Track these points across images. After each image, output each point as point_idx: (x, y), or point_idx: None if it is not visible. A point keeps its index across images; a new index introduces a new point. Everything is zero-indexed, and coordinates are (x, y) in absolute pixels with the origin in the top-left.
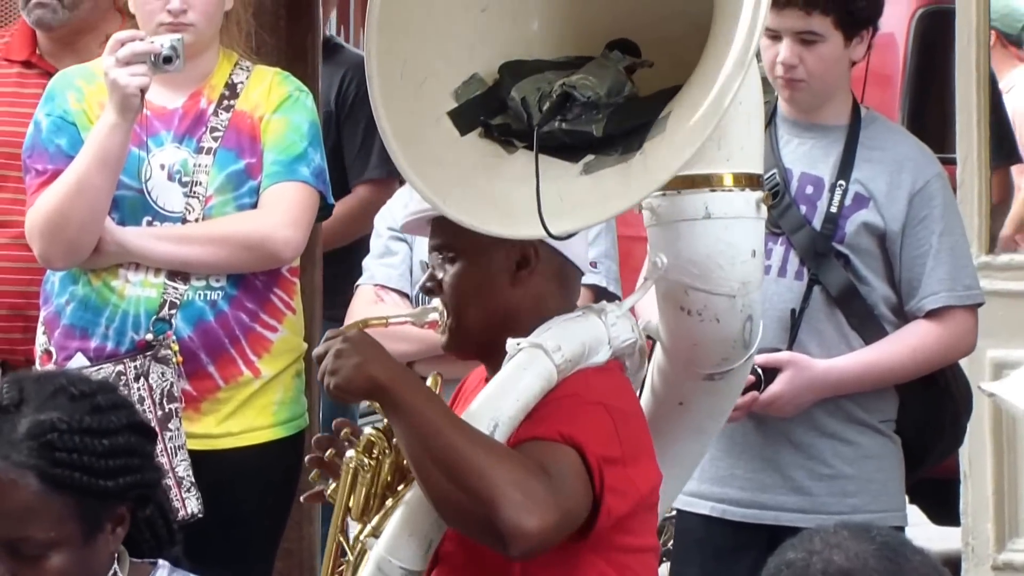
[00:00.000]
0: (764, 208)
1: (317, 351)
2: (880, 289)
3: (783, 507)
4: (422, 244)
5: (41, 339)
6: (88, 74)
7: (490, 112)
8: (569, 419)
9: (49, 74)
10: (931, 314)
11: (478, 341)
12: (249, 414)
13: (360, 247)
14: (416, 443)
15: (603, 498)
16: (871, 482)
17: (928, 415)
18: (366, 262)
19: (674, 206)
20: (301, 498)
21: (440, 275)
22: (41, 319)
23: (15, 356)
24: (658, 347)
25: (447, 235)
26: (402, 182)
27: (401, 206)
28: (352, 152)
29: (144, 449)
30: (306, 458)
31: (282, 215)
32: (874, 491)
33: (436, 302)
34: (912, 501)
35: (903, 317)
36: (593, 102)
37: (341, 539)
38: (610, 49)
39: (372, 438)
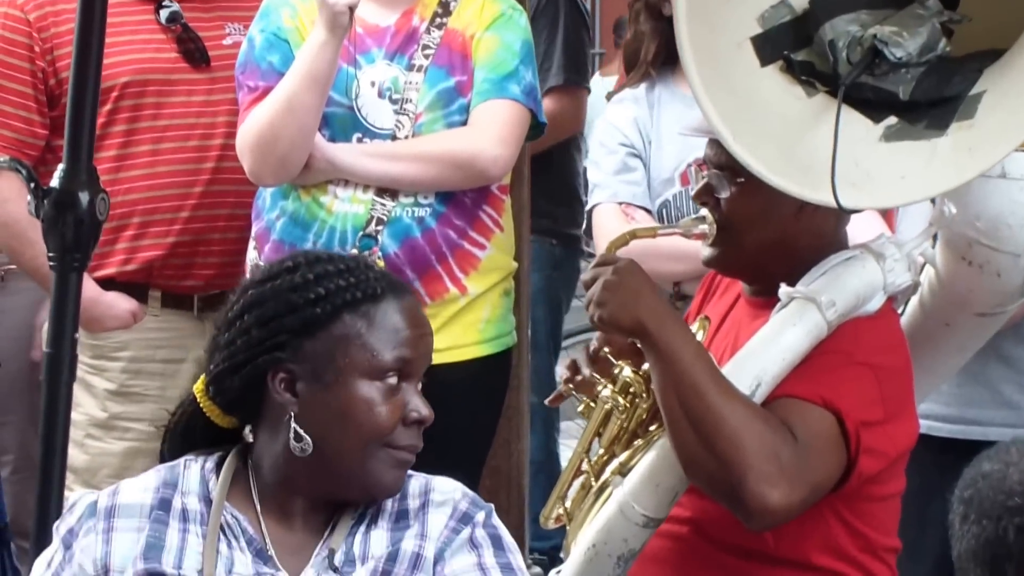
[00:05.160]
0: None
1: (585, 277)
2: None
3: (991, 422)
4: (658, 161)
5: (252, 254)
6: None
7: (795, 45)
8: (832, 380)
9: None
10: None
11: (747, 264)
12: (455, 331)
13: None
14: (672, 395)
15: (858, 461)
16: None
17: None
18: (600, 179)
19: None
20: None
21: (720, 191)
22: (253, 234)
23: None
24: (932, 270)
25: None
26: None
27: (629, 121)
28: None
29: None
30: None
31: (491, 133)
32: None
33: (704, 212)
34: None
35: None
36: (904, 62)
37: (585, 457)
38: None
39: (629, 380)
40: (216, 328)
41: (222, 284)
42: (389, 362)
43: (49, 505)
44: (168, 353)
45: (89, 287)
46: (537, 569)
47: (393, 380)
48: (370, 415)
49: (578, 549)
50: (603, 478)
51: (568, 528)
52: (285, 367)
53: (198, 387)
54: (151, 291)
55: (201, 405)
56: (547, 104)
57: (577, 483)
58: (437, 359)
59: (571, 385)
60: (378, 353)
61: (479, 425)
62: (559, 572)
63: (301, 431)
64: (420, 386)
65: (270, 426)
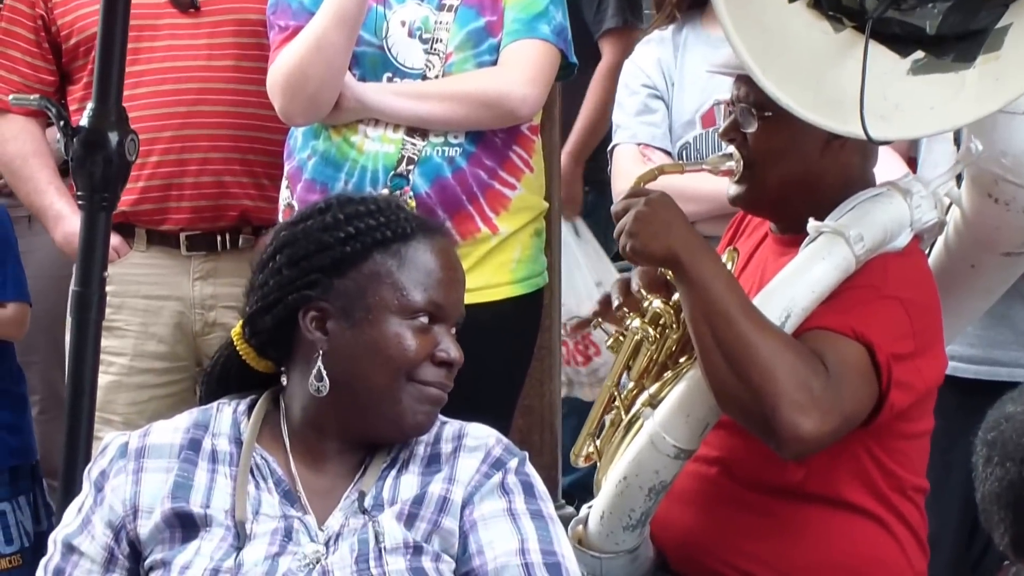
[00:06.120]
0: None
1: (616, 208)
2: None
3: (1016, 363)
4: (680, 104)
5: (284, 193)
6: None
7: None
8: (863, 313)
9: None
10: None
11: (772, 201)
12: (486, 271)
13: None
14: (704, 325)
15: (888, 394)
16: None
17: None
18: (622, 120)
19: None
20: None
21: (746, 128)
22: (285, 173)
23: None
24: (958, 210)
25: (763, 92)
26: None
27: (653, 62)
28: (591, 10)
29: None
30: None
31: (521, 73)
32: None
33: (732, 149)
34: None
35: None
36: None
37: (615, 392)
38: None
39: (659, 311)
40: (252, 270)
41: (206, 227)
42: (419, 302)
43: (78, 443)
44: (151, 289)
45: (73, 222)
46: (570, 509)
47: (424, 320)
48: (399, 347)
49: (609, 482)
50: (633, 411)
51: (599, 464)
52: (316, 305)
53: (235, 331)
54: (137, 228)
55: (237, 348)
56: (605, 49)
57: (608, 419)
58: (468, 299)
59: (597, 316)
60: (408, 292)
61: (511, 365)
62: (591, 507)
63: (323, 370)
64: (454, 331)
65: (302, 367)
